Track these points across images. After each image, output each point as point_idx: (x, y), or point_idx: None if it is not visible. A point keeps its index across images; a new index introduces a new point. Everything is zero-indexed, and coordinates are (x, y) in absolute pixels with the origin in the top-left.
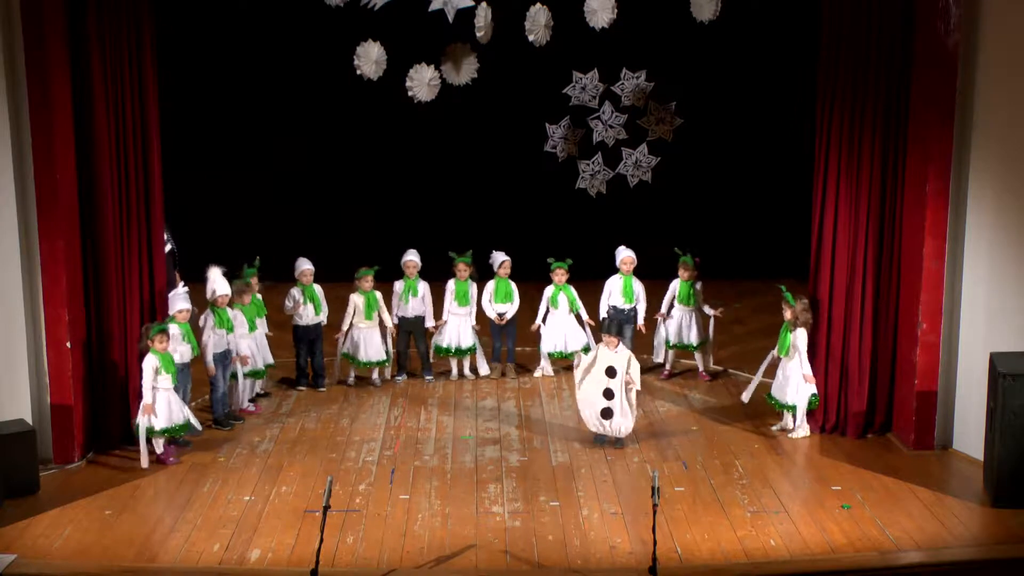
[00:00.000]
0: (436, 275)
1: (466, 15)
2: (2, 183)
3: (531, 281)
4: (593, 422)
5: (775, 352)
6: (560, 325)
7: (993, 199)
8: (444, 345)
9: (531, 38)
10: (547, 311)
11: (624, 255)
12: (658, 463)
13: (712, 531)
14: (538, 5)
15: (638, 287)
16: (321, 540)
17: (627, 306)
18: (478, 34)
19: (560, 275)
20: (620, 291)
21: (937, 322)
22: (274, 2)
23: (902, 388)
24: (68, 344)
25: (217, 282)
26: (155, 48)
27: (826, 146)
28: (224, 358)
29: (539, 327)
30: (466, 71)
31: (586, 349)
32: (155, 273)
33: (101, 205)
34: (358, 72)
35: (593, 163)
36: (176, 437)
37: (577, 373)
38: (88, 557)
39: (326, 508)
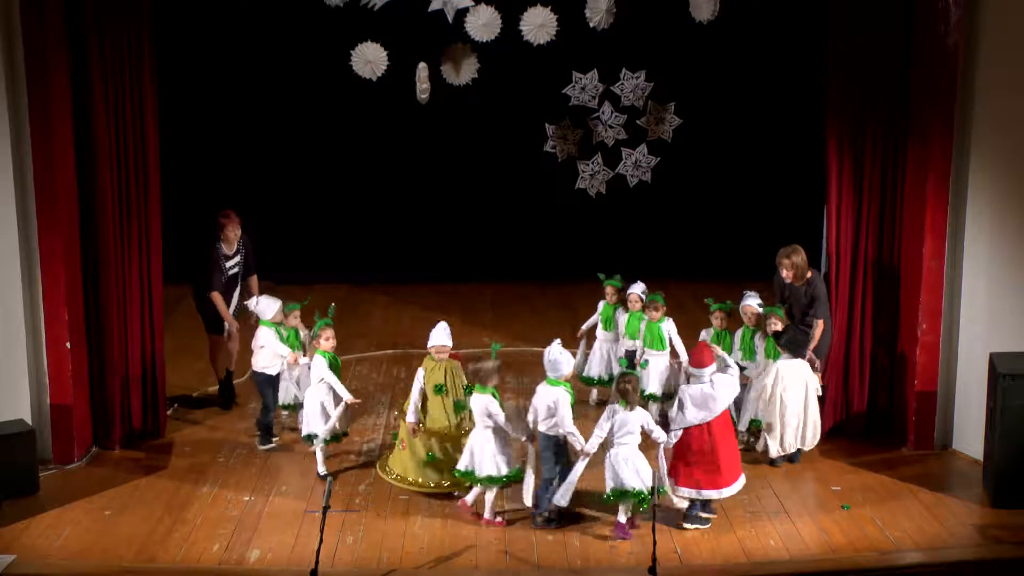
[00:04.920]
0: (440, 276)
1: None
2: (2, 183)
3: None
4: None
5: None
6: (604, 349)
7: (993, 199)
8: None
9: (527, 38)
10: (595, 326)
11: (631, 292)
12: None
13: (712, 531)
14: (537, 6)
15: (621, 317)
16: (321, 540)
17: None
18: (474, 34)
19: (611, 293)
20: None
21: (937, 322)
22: (274, 2)
23: (902, 388)
24: (68, 344)
25: (267, 304)
26: (155, 48)
27: (827, 146)
28: (277, 380)
29: (582, 334)
30: (466, 71)
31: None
32: (153, 273)
33: (101, 205)
34: (355, 71)
35: (593, 163)
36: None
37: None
38: (88, 557)
39: (326, 508)
